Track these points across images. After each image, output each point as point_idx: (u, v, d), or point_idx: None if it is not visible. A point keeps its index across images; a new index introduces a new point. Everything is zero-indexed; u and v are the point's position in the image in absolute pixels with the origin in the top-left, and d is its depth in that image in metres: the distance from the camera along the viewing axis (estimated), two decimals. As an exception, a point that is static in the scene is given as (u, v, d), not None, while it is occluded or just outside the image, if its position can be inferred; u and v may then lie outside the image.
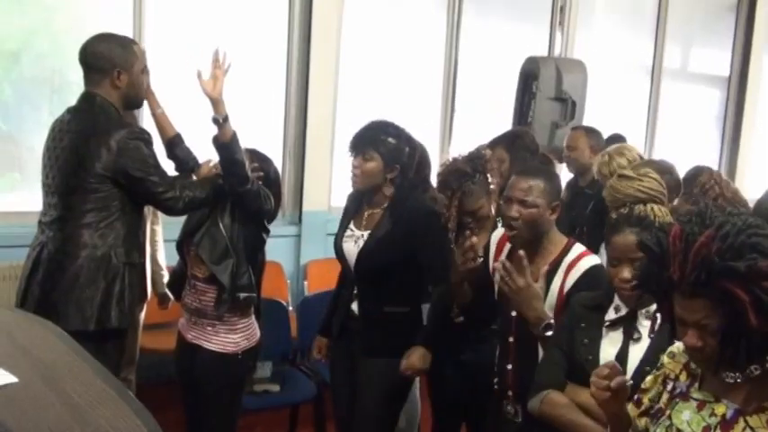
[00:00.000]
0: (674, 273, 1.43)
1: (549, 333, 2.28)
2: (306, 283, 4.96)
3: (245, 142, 2.86)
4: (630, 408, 1.73)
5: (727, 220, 1.41)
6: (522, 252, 2.39)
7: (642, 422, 1.68)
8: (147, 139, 2.76)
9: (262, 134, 4.36)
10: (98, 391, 1.25)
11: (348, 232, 3.02)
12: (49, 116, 4.26)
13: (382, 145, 2.88)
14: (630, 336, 2.07)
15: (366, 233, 2.95)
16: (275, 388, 3.88)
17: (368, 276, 2.96)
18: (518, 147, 3.66)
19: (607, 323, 2.11)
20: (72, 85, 4.39)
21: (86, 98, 2.80)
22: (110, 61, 2.76)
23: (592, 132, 4.44)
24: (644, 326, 2.06)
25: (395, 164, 2.89)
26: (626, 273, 2.03)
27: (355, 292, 3.01)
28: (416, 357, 2.88)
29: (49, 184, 2.79)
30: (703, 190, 3.64)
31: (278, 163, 3.80)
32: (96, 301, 2.68)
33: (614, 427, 1.73)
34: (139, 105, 3.00)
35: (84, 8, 4.40)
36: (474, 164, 2.94)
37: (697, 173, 3.86)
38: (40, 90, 4.34)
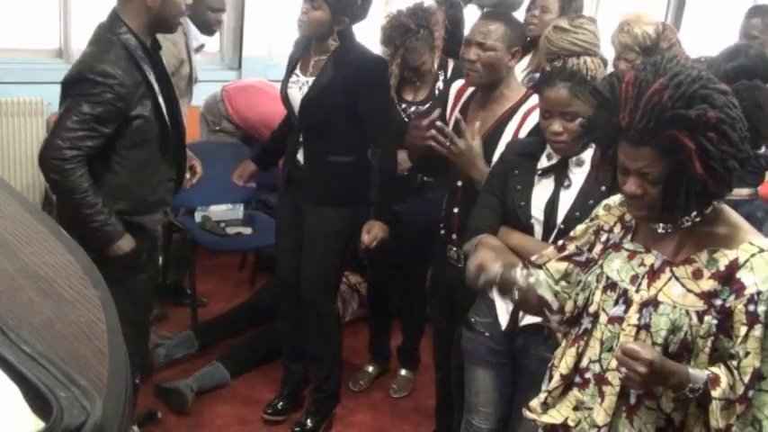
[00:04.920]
0: (623, 119, 1.44)
1: None
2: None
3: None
4: (550, 251, 1.79)
5: (681, 71, 1.42)
6: (459, 115, 2.41)
7: (562, 267, 1.74)
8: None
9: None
10: (28, 229, 1.21)
11: (293, 78, 2.92)
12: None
13: None
14: (561, 183, 2.11)
15: (311, 80, 2.86)
16: (247, 231, 3.93)
17: (312, 124, 2.89)
18: None
19: (540, 171, 2.14)
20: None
21: (110, 22, 2.33)
22: None
23: None
24: (574, 173, 2.10)
25: (343, 16, 2.76)
26: (557, 126, 2.04)
27: (300, 140, 2.95)
28: (378, 229, 2.86)
29: None
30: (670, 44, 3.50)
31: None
32: None
33: None
34: (172, 30, 2.49)
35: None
36: (418, 18, 2.96)
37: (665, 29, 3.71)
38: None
